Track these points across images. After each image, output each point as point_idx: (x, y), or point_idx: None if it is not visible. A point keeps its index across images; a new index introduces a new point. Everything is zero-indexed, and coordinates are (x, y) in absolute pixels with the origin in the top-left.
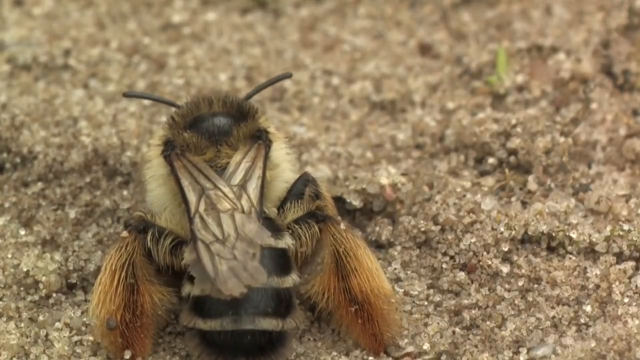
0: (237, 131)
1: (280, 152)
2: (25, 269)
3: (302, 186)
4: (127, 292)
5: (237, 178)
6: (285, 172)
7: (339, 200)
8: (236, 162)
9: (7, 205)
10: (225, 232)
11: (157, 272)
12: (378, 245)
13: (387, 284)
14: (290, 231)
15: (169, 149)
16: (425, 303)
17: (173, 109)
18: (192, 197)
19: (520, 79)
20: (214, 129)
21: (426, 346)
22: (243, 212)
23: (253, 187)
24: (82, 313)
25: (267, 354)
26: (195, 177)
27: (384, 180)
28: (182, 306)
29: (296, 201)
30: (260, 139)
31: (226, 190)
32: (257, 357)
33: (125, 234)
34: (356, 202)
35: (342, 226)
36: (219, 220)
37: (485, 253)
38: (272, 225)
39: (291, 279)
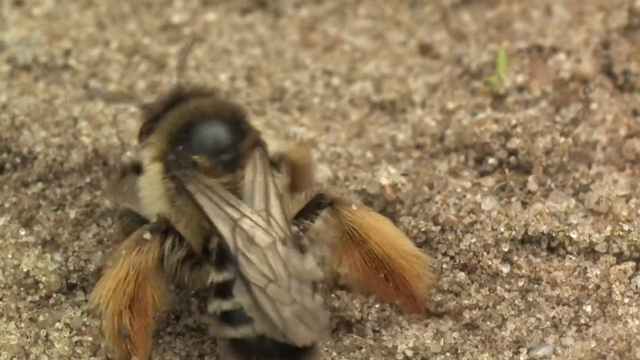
0: (242, 145)
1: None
2: (25, 269)
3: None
4: (137, 293)
5: (258, 200)
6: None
7: None
8: (250, 180)
9: (7, 205)
10: (276, 271)
11: (161, 275)
12: None
13: (410, 244)
14: (301, 227)
15: (175, 168)
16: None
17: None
18: (223, 229)
19: (520, 79)
20: (223, 148)
21: (426, 346)
22: (281, 242)
23: (276, 209)
24: (83, 313)
25: (297, 354)
26: (217, 202)
27: (384, 181)
28: (208, 319)
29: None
30: (258, 144)
31: (255, 217)
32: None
33: (148, 235)
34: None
35: (354, 206)
36: (264, 257)
37: (485, 253)
38: (298, 244)
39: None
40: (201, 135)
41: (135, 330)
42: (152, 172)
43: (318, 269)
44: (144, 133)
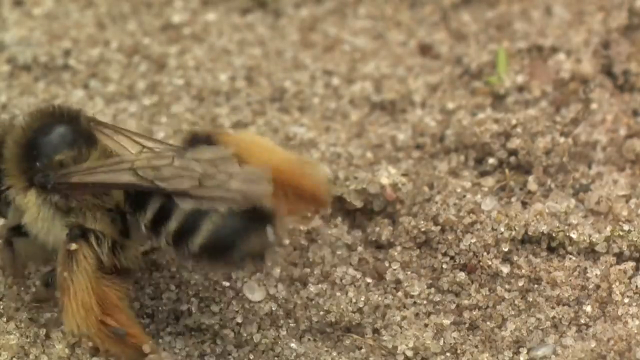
0: (81, 123)
1: None
2: (26, 271)
3: None
4: (101, 298)
5: (131, 147)
6: None
7: (339, 200)
8: (111, 143)
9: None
10: (197, 168)
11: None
12: (378, 246)
13: (291, 153)
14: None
15: (50, 179)
16: (425, 303)
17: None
18: (129, 179)
19: (520, 79)
20: (72, 134)
21: (426, 346)
22: (179, 155)
23: (150, 142)
24: None
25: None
26: (105, 171)
27: (385, 180)
28: (167, 248)
29: None
30: (90, 120)
31: (143, 156)
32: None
33: (74, 246)
34: (356, 202)
35: (230, 132)
36: (178, 169)
37: (485, 253)
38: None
39: None
40: (50, 135)
41: (125, 324)
42: (32, 202)
43: (223, 148)
44: None
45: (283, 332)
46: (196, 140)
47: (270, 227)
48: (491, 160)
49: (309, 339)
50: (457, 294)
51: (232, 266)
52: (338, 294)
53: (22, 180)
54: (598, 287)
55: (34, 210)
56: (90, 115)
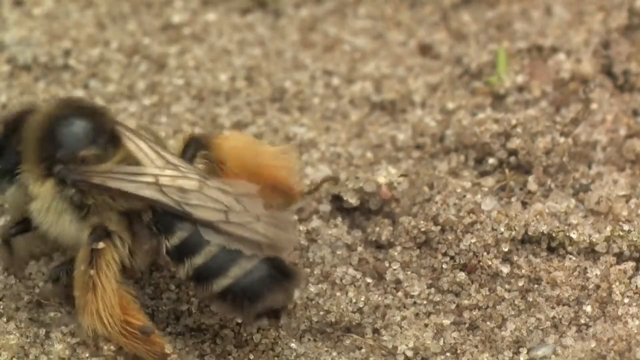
0: (107, 123)
1: None
2: (27, 271)
3: None
4: (121, 299)
5: (155, 159)
6: None
7: (336, 199)
8: (136, 149)
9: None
10: (224, 202)
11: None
12: (378, 246)
13: (269, 146)
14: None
15: (71, 173)
16: (425, 303)
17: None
18: (154, 195)
19: (520, 79)
20: (96, 132)
21: (426, 346)
22: (204, 179)
23: (173, 158)
24: None
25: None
26: (127, 179)
27: (381, 179)
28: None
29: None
30: (116, 122)
31: (167, 172)
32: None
33: (101, 244)
34: (352, 200)
35: (222, 135)
36: (205, 197)
37: (485, 253)
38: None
39: None
40: (76, 128)
41: (146, 324)
42: (45, 193)
43: (249, 183)
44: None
45: (283, 332)
46: (193, 144)
47: (296, 286)
48: (491, 160)
49: (309, 339)
50: (457, 294)
51: (247, 317)
52: (338, 294)
53: (41, 168)
54: (598, 287)
55: (46, 200)
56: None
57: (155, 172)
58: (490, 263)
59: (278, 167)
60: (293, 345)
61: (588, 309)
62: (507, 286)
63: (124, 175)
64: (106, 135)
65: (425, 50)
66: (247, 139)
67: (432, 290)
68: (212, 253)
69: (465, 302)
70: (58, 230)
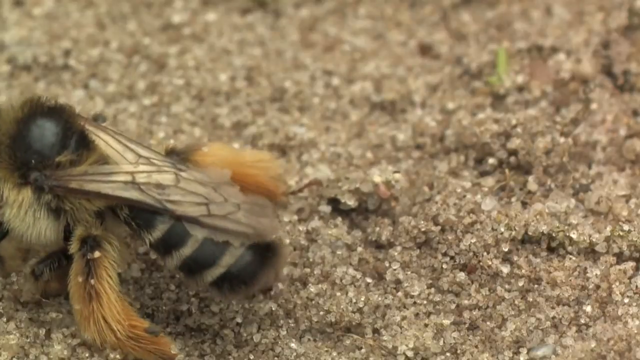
0: (77, 123)
1: None
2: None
3: None
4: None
5: (128, 155)
6: None
7: (333, 201)
8: (106, 147)
9: None
10: (203, 194)
11: None
12: (378, 246)
13: (251, 152)
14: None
15: (47, 180)
16: (425, 303)
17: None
18: (132, 194)
19: (520, 79)
20: (67, 135)
21: (426, 346)
22: (180, 170)
23: (146, 151)
24: None
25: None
26: (103, 180)
27: (377, 178)
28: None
29: None
30: (84, 119)
31: (141, 168)
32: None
33: (97, 254)
34: (350, 202)
35: (204, 148)
36: (183, 190)
37: (485, 253)
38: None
39: None
40: (48, 134)
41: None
42: (22, 201)
43: (222, 170)
44: None
45: (283, 332)
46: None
47: (284, 260)
48: (491, 160)
49: (309, 339)
50: (457, 294)
51: (245, 297)
52: (338, 294)
53: (16, 176)
54: (598, 287)
55: (23, 207)
56: (77, 112)
57: (130, 168)
58: (490, 263)
59: (259, 175)
60: (293, 345)
61: (588, 309)
62: (507, 286)
63: (99, 176)
64: (76, 136)
65: (425, 50)
66: (226, 151)
67: (432, 290)
68: (199, 241)
69: (465, 302)
70: (34, 234)
